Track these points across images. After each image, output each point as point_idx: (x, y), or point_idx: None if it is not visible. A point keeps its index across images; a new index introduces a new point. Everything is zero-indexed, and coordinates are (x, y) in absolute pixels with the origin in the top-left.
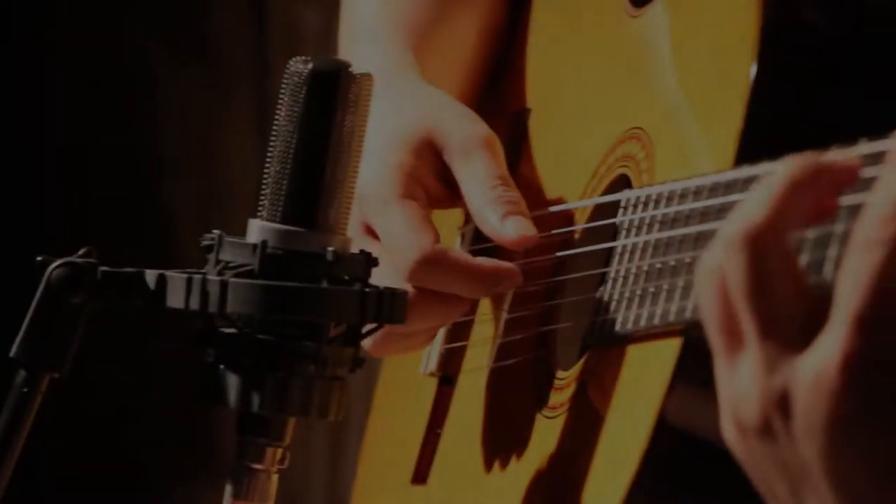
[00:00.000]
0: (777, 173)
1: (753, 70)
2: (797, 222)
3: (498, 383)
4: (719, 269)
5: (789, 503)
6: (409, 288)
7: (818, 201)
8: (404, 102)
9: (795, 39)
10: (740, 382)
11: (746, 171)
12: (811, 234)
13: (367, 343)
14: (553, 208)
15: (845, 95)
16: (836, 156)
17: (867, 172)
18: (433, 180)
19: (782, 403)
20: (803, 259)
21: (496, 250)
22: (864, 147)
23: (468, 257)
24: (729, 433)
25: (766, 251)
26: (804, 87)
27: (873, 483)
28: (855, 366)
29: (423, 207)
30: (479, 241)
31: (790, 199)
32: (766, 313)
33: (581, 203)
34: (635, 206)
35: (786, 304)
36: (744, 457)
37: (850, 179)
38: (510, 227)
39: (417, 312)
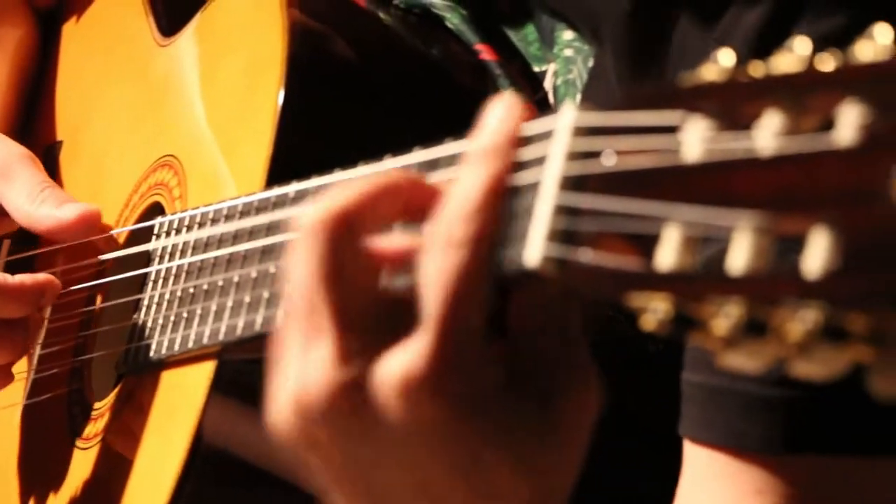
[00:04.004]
0: (360, 177)
1: (281, 96)
2: (375, 219)
3: (32, 420)
4: (298, 254)
5: (356, 490)
6: None
7: (397, 208)
8: None
9: (321, 67)
10: (310, 368)
11: (277, 191)
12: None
13: None
14: (87, 239)
15: (370, 117)
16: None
17: (441, 175)
18: None
19: (355, 396)
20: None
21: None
22: (442, 149)
23: (5, 277)
24: (286, 420)
25: (341, 240)
26: (330, 110)
27: (453, 483)
28: (442, 371)
29: None
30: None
31: (369, 197)
32: (339, 302)
33: (114, 231)
34: (168, 233)
35: (360, 297)
36: (302, 443)
37: (429, 202)
38: (68, 211)
39: None
